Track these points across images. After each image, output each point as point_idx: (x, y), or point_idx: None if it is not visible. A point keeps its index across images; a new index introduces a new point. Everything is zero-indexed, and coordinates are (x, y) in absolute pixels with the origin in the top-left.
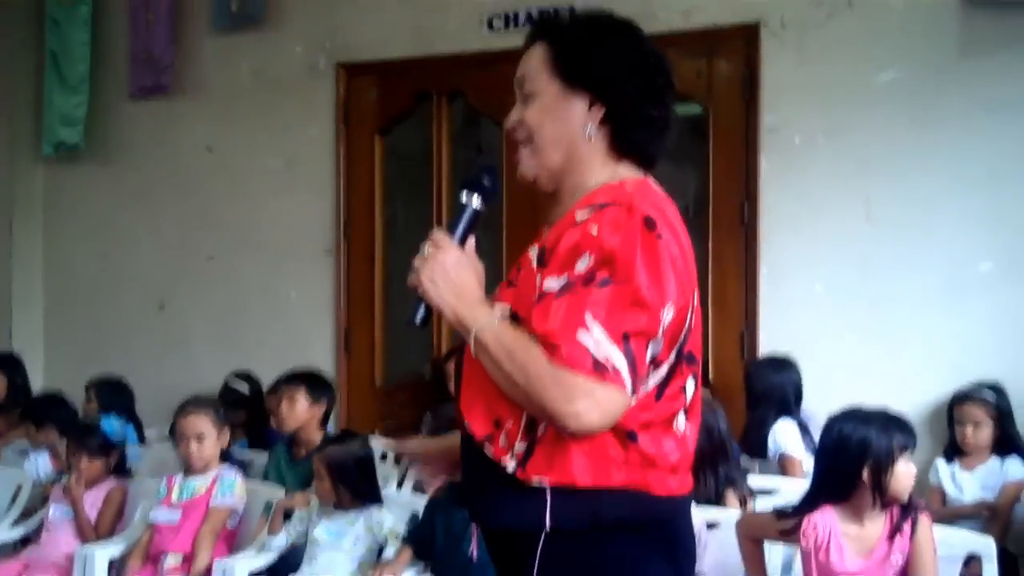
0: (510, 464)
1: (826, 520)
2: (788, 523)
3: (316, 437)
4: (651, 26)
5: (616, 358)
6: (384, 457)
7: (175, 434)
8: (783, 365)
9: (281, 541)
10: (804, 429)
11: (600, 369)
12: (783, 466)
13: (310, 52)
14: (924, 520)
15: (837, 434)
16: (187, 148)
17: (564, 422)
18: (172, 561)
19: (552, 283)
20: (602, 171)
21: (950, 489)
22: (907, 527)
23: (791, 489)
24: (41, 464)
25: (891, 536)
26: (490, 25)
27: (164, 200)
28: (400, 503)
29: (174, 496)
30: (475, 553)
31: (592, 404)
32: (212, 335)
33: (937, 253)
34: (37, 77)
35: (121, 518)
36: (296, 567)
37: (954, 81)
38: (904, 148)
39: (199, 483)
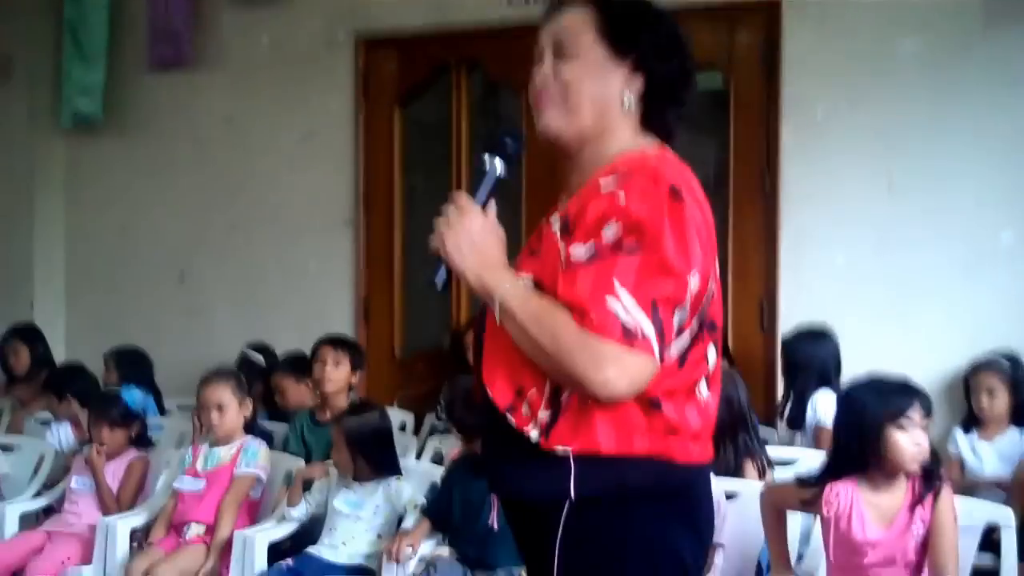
0: (533, 433)
1: (848, 489)
2: (810, 492)
3: (344, 403)
4: None
5: (645, 325)
6: (403, 427)
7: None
8: (821, 336)
9: (301, 512)
10: None
11: (629, 336)
12: (817, 437)
13: (329, 24)
14: (946, 491)
15: (845, 403)
16: (207, 120)
17: (592, 389)
18: (195, 530)
19: (579, 251)
20: (626, 141)
21: (970, 459)
22: (928, 498)
23: (811, 460)
24: (63, 435)
25: (912, 506)
26: None
27: (184, 172)
28: (419, 473)
29: (199, 465)
30: (495, 523)
31: (621, 371)
32: (232, 306)
33: (957, 224)
34: (56, 49)
35: (142, 489)
36: (316, 537)
37: (976, 53)
38: (925, 120)
39: (224, 453)
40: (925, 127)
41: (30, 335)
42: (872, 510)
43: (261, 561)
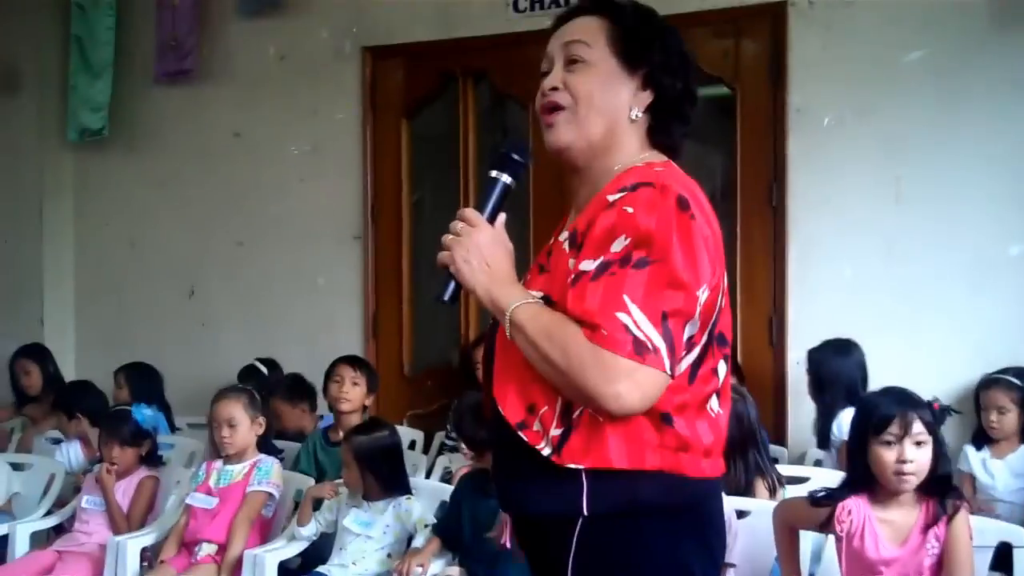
0: (546, 450)
1: (860, 507)
2: (822, 510)
3: (356, 423)
4: (679, 6)
5: (655, 338)
6: (412, 445)
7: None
8: (846, 350)
9: (311, 531)
10: None
11: (641, 350)
12: (841, 455)
13: (336, 36)
14: (962, 512)
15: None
16: (214, 133)
17: (604, 403)
18: (207, 549)
19: (588, 265)
20: (633, 154)
21: (982, 476)
22: (943, 518)
23: (822, 478)
24: (73, 453)
25: (926, 526)
26: (516, 7)
27: (192, 185)
28: (429, 491)
29: (212, 481)
30: (507, 542)
31: (633, 385)
32: (241, 321)
33: (966, 233)
34: (65, 63)
35: (153, 507)
36: (326, 557)
37: (984, 59)
38: (933, 127)
39: (237, 470)
40: (933, 134)
41: (40, 354)
42: (885, 528)
43: None
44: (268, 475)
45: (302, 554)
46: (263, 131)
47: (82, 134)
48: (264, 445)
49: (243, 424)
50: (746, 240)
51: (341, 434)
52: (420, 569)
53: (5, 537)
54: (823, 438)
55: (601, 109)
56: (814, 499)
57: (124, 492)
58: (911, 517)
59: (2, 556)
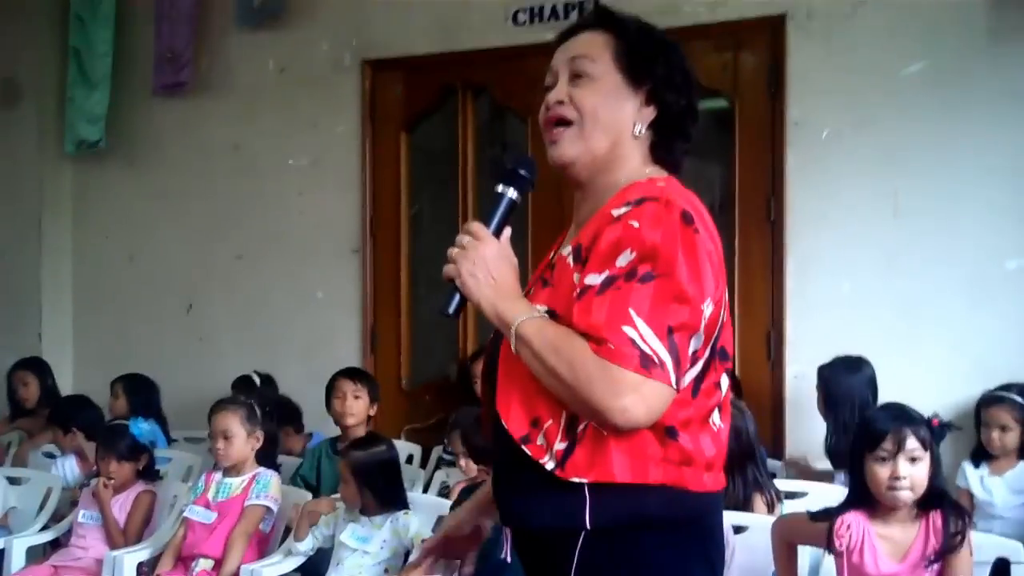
0: (549, 464)
1: (859, 522)
2: (821, 525)
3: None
4: (677, 20)
5: (662, 352)
6: (410, 460)
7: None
8: (857, 365)
9: (308, 546)
10: None
11: (647, 363)
12: None
13: (335, 49)
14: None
15: None
16: (213, 146)
17: (610, 416)
18: (203, 565)
19: (593, 279)
20: (635, 170)
21: (979, 493)
22: (943, 534)
23: (820, 492)
24: (68, 468)
25: (926, 542)
26: (515, 19)
27: (191, 198)
28: (426, 506)
29: (210, 495)
30: (508, 556)
31: (639, 399)
32: (240, 335)
33: (965, 249)
34: (63, 76)
35: (150, 522)
36: (323, 572)
37: (982, 72)
38: (932, 141)
39: (236, 483)
40: (931, 147)
41: (39, 367)
42: (884, 543)
43: None
44: (267, 488)
45: (299, 569)
46: (262, 144)
47: (79, 146)
48: (264, 458)
49: (239, 437)
50: (744, 254)
51: None
52: None
53: (1, 552)
54: (837, 456)
55: (606, 124)
56: (813, 514)
57: (121, 506)
58: (910, 533)
59: None
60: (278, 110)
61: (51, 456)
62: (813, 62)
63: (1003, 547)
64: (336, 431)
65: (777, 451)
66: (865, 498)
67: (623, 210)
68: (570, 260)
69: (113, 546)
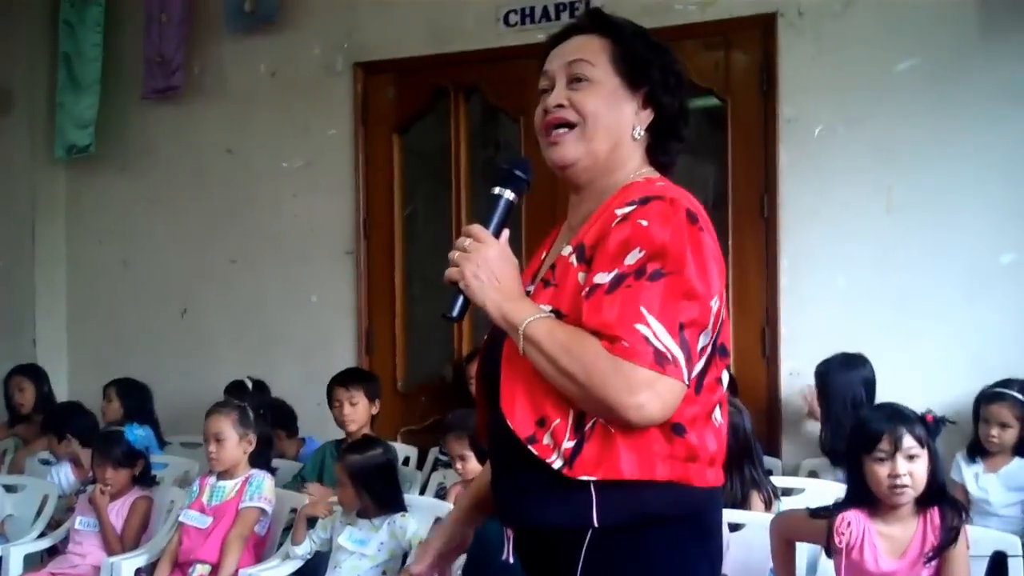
0: (557, 463)
1: (859, 519)
2: (821, 522)
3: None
4: (668, 19)
5: (674, 349)
6: (406, 462)
7: None
8: (853, 363)
9: (305, 549)
10: None
11: (661, 360)
12: None
13: (327, 52)
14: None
15: None
16: (206, 150)
17: (625, 414)
18: (200, 570)
19: (602, 278)
20: (632, 171)
21: (975, 492)
22: (940, 530)
23: (816, 489)
24: (63, 475)
25: (924, 538)
26: (506, 21)
27: (185, 203)
28: (423, 509)
29: (205, 499)
30: (510, 557)
31: (654, 395)
32: (235, 339)
33: (960, 244)
34: (54, 82)
35: (147, 528)
36: (321, 575)
37: (974, 67)
38: (924, 137)
39: (229, 487)
40: (924, 143)
41: (35, 374)
42: (884, 541)
43: None
44: (260, 490)
45: (296, 573)
46: (255, 147)
47: (69, 151)
48: (258, 460)
49: (231, 440)
50: (738, 251)
51: None
52: None
53: None
54: (833, 452)
55: (607, 127)
56: (813, 511)
57: (118, 513)
58: (910, 530)
59: None
60: (270, 114)
61: (47, 463)
62: (805, 59)
63: (1000, 541)
64: (335, 433)
65: (773, 448)
66: (865, 498)
67: (628, 209)
68: (573, 260)
69: (110, 552)
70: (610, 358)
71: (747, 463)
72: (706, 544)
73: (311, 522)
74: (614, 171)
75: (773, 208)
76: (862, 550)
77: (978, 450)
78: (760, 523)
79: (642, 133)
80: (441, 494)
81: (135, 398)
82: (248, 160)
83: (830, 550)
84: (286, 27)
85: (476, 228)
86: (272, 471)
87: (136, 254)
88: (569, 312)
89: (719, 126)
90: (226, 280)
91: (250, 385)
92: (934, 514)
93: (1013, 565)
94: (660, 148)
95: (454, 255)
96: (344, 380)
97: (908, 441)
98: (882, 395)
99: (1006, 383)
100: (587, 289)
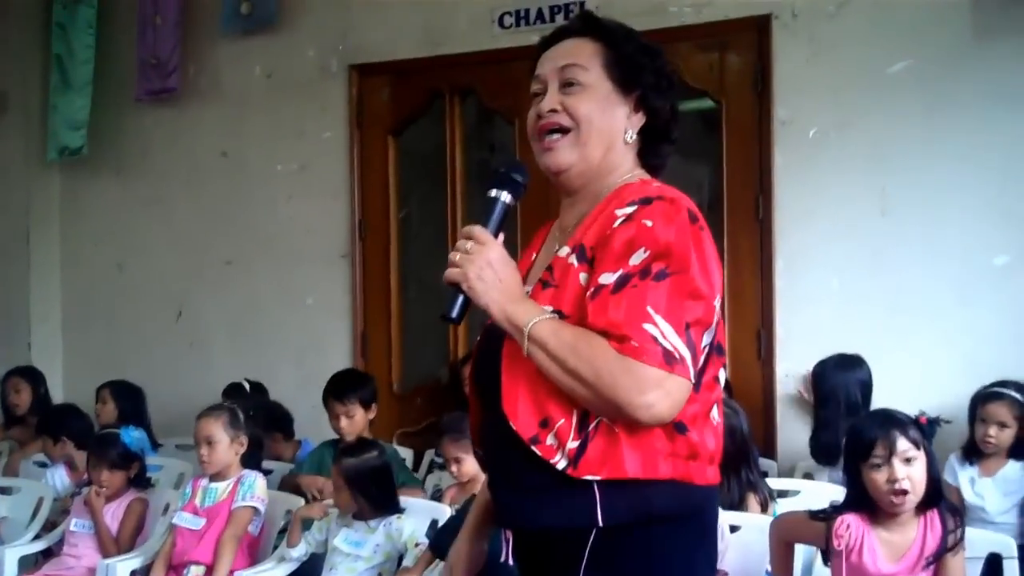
0: (561, 463)
1: (859, 522)
2: (820, 524)
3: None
4: (663, 21)
5: (681, 348)
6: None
7: None
8: (849, 364)
9: (300, 551)
10: None
11: (669, 359)
12: None
13: (322, 54)
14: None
15: None
16: (201, 153)
17: (634, 413)
18: (195, 572)
19: (607, 278)
20: (625, 174)
21: (970, 498)
22: (940, 534)
23: (813, 491)
24: (58, 478)
25: (923, 541)
26: (501, 23)
27: (180, 206)
28: (419, 510)
29: (197, 501)
30: (509, 559)
31: (664, 394)
32: (230, 342)
33: (953, 245)
34: (48, 86)
35: (142, 530)
36: None
37: (968, 70)
38: (918, 139)
39: (222, 488)
40: (918, 145)
41: (32, 375)
42: (883, 544)
43: None
44: (252, 490)
45: (292, 575)
46: (250, 150)
47: (62, 152)
48: (249, 462)
49: (222, 442)
50: (732, 253)
51: None
52: None
53: None
54: (827, 453)
55: (601, 132)
56: (813, 513)
57: (113, 515)
58: (910, 534)
59: None
60: (266, 116)
61: (43, 465)
62: (799, 61)
63: (995, 543)
64: (332, 436)
65: (769, 450)
66: (865, 503)
67: (631, 209)
68: (573, 260)
69: (106, 554)
70: (619, 358)
71: (744, 465)
72: (706, 542)
73: (306, 524)
74: (607, 174)
75: (768, 210)
76: (861, 552)
77: (973, 451)
78: (757, 525)
79: (634, 136)
80: (437, 496)
81: (129, 400)
82: (243, 162)
83: (827, 555)
84: (281, 29)
85: (477, 229)
86: (265, 472)
87: (131, 257)
88: (571, 313)
89: (714, 128)
90: (221, 283)
91: (248, 388)
92: (934, 517)
93: (1008, 567)
94: (652, 151)
95: (455, 256)
96: (339, 393)
97: (903, 444)
98: (876, 396)
99: (1002, 384)
100: (591, 290)
